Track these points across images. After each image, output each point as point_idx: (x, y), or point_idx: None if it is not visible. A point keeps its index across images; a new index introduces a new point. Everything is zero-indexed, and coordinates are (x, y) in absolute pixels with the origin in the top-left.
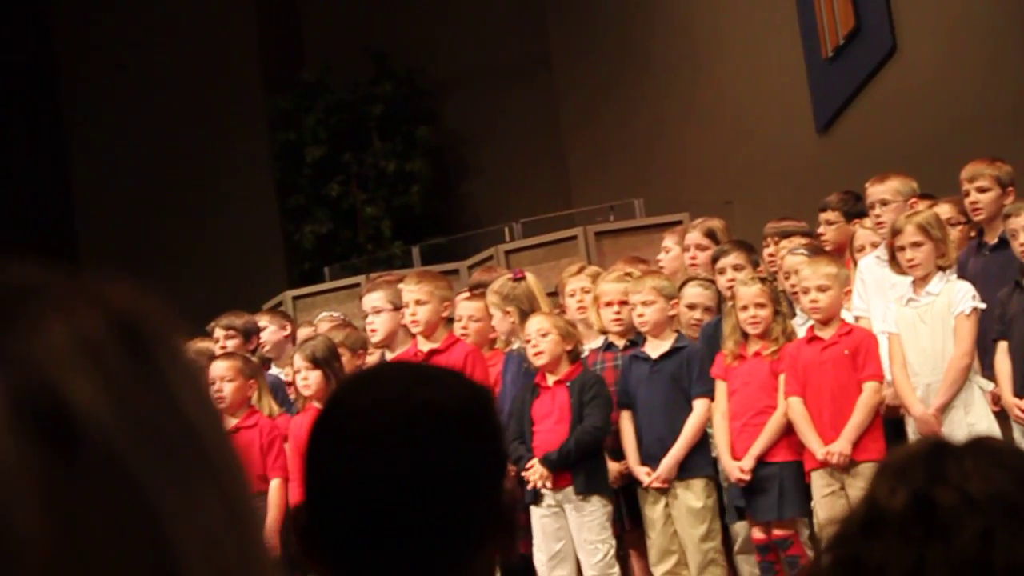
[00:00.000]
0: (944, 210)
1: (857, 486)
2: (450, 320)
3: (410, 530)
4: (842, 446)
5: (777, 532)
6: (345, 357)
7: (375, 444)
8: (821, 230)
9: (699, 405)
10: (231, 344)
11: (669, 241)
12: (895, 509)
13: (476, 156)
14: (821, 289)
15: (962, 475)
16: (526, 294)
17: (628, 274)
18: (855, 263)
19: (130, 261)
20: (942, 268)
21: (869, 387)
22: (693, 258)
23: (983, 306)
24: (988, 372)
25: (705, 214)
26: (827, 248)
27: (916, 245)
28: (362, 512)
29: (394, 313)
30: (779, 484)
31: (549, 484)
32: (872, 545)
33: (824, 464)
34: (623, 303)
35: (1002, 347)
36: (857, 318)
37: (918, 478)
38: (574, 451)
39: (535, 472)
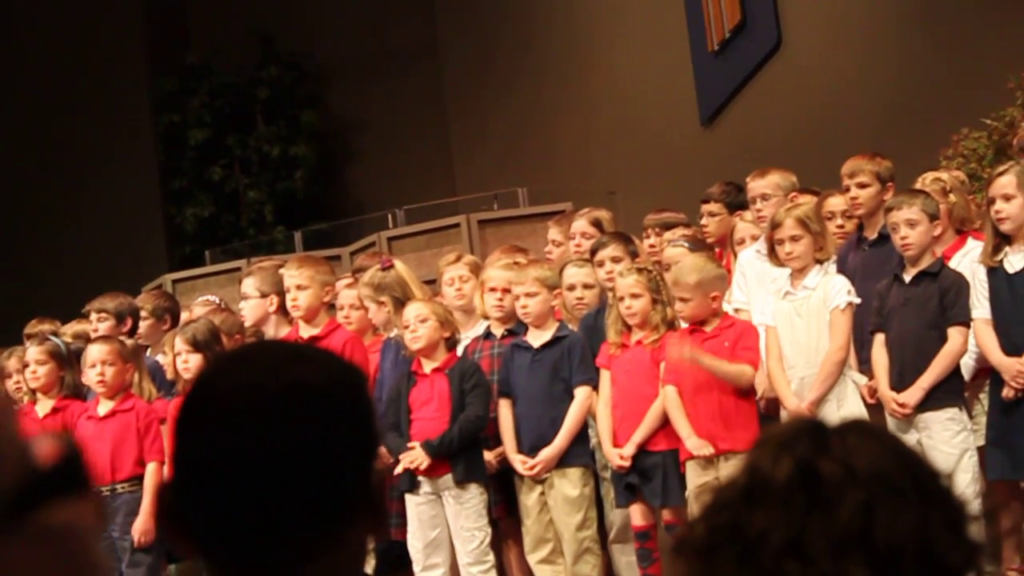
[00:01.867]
0: (837, 202)
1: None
2: (332, 306)
3: (277, 509)
4: (699, 443)
5: (667, 517)
6: (223, 341)
7: (243, 422)
8: (703, 222)
9: (580, 393)
10: (103, 327)
11: (556, 233)
12: (779, 478)
13: (360, 142)
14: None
15: (845, 449)
16: (397, 281)
17: (515, 263)
18: (735, 255)
19: (10, 242)
20: (820, 261)
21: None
22: (578, 246)
23: (858, 301)
24: (865, 366)
25: (588, 204)
26: (709, 240)
27: (795, 239)
28: (229, 490)
29: (261, 300)
30: (662, 472)
31: (424, 467)
32: (753, 513)
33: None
34: (506, 291)
35: (879, 340)
36: (737, 310)
37: (803, 449)
38: (456, 440)
39: (414, 456)
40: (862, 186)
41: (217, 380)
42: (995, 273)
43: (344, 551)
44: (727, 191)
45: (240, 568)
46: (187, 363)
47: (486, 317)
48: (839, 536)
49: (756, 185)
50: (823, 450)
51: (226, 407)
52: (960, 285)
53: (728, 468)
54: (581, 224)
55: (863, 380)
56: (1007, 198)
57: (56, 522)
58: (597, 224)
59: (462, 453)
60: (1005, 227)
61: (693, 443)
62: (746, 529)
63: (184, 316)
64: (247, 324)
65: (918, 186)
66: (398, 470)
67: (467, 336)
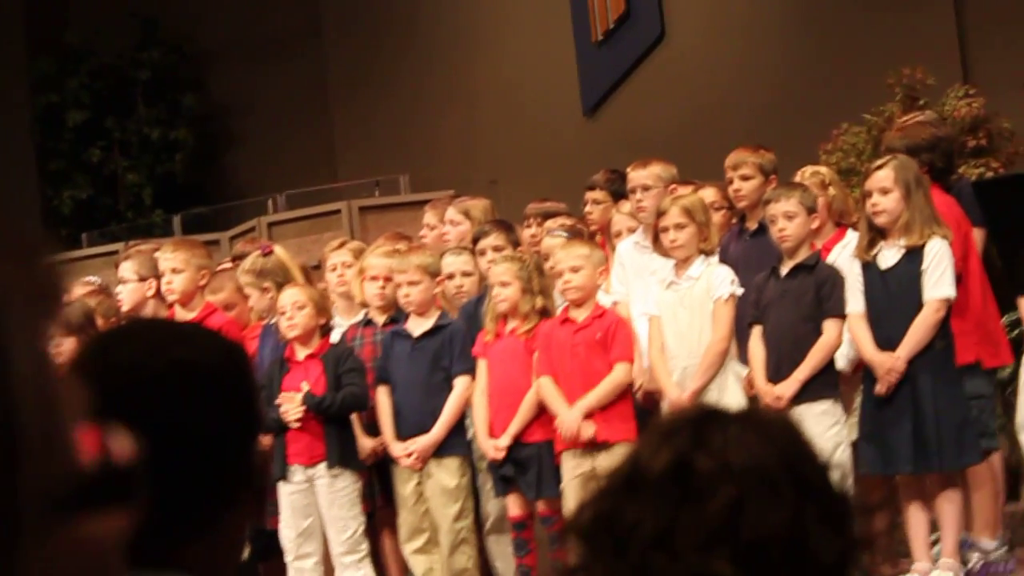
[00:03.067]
0: (708, 194)
1: (609, 466)
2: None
3: (157, 490)
4: (574, 416)
5: (542, 508)
6: (98, 324)
7: (123, 401)
8: (587, 209)
9: (459, 383)
10: None
11: (431, 217)
12: (655, 470)
13: (242, 126)
14: (573, 270)
15: (724, 443)
16: (279, 266)
17: (396, 250)
18: (612, 247)
19: None
20: (704, 252)
21: (618, 367)
22: (445, 233)
23: (741, 291)
24: (744, 357)
25: (470, 192)
26: (593, 228)
27: (679, 227)
28: (107, 470)
29: (139, 284)
30: (538, 464)
31: (298, 416)
32: (629, 503)
33: (574, 444)
34: (387, 279)
35: (756, 332)
36: (615, 303)
37: (682, 442)
38: (336, 405)
39: (291, 402)
40: (745, 178)
41: (98, 358)
42: (869, 268)
43: (223, 534)
44: (611, 179)
45: None
46: (60, 345)
47: (365, 305)
48: (707, 530)
49: (637, 175)
50: (701, 443)
51: (107, 386)
52: (836, 279)
53: (604, 459)
54: (451, 213)
55: (744, 371)
56: (883, 192)
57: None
58: (466, 213)
59: (334, 439)
60: (880, 220)
61: (573, 415)
62: (621, 520)
63: None
64: (124, 308)
65: (797, 179)
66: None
67: (348, 323)
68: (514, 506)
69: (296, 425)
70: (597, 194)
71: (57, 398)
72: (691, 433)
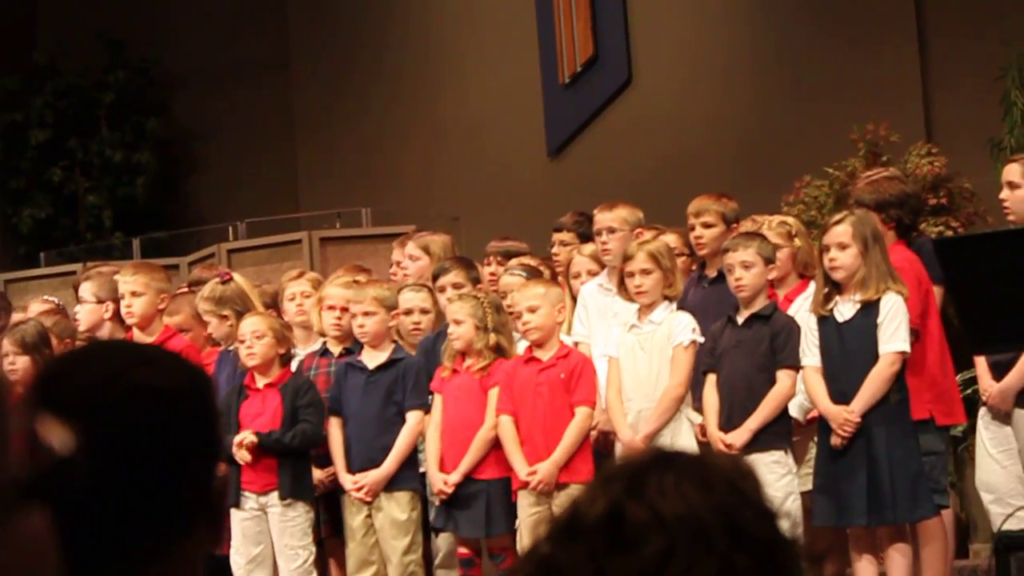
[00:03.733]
0: (670, 240)
1: (564, 507)
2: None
3: (115, 515)
4: (548, 470)
5: (491, 546)
6: (53, 344)
7: (84, 423)
8: (555, 251)
9: (412, 418)
10: None
11: (399, 255)
12: (590, 518)
13: (205, 152)
14: (531, 310)
15: (659, 492)
16: (238, 294)
17: (355, 281)
18: (570, 288)
19: None
20: (668, 298)
21: (581, 411)
22: (404, 268)
23: (702, 339)
24: (698, 404)
25: (432, 228)
26: (559, 269)
27: (645, 272)
28: (64, 494)
29: (97, 306)
30: (486, 501)
31: (248, 451)
32: (565, 549)
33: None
34: (344, 309)
35: (711, 380)
36: (576, 343)
37: (617, 490)
38: (286, 444)
39: (242, 437)
40: (707, 225)
41: (60, 379)
42: (826, 322)
43: (180, 558)
44: (579, 221)
45: (75, 574)
46: (14, 365)
47: (323, 335)
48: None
49: (603, 217)
50: (635, 493)
51: (68, 406)
52: (791, 329)
53: (561, 500)
54: (410, 248)
55: (698, 418)
56: (841, 247)
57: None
58: (425, 248)
59: (288, 469)
60: (837, 276)
61: (540, 468)
62: (556, 566)
63: (16, 317)
64: (81, 329)
65: (764, 229)
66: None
67: (304, 352)
68: (461, 544)
69: (244, 462)
70: (564, 235)
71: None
72: (626, 481)
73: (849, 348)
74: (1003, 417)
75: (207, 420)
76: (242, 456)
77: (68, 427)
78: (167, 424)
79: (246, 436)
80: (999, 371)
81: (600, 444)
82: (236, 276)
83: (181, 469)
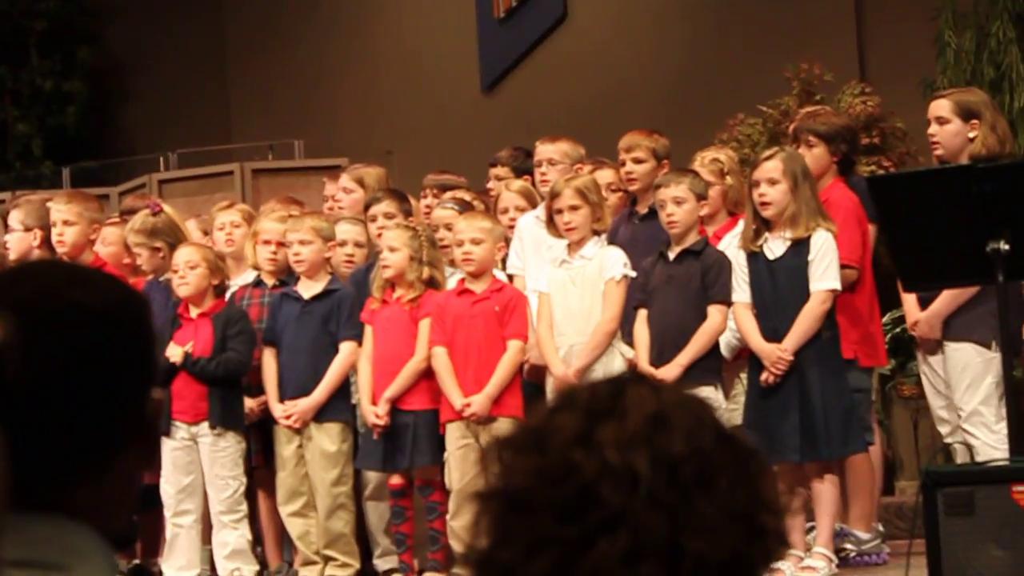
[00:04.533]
0: (606, 175)
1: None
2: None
3: (47, 433)
4: (481, 402)
5: (419, 477)
6: None
7: (15, 343)
8: (490, 185)
9: (344, 348)
10: None
11: (332, 188)
12: (584, 395)
13: (137, 82)
14: (475, 242)
15: (656, 387)
16: (169, 225)
17: (290, 215)
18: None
19: None
20: (597, 233)
21: (513, 345)
22: (338, 200)
23: (634, 274)
24: (628, 339)
25: (365, 161)
26: (494, 203)
27: (573, 208)
28: None
29: (25, 234)
30: (413, 432)
31: (178, 359)
32: (555, 417)
33: (460, 416)
34: (280, 244)
35: (641, 315)
36: (511, 276)
37: (616, 382)
38: (210, 370)
39: (171, 352)
40: (638, 161)
41: None
42: (755, 258)
43: (114, 479)
44: (516, 156)
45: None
46: None
47: (256, 268)
48: (628, 435)
49: (544, 149)
50: (640, 380)
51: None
52: (722, 264)
53: (489, 432)
54: (344, 180)
55: (630, 353)
56: (771, 182)
57: None
58: (360, 181)
59: (218, 399)
60: (767, 212)
61: (474, 400)
62: (545, 427)
63: None
64: (11, 257)
65: (696, 165)
66: None
67: (235, 283)
68: (393, 475)
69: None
70: (500, 170)
71: None
72: (615, 384)
73: (780, 285)
74: (935, 350)
75: (142, 340)
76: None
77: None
78: (100, 343)
79: (175, 352)
80: (925, 307)
81: (533, 376)
82: (166, 207)
83: (115, 388)
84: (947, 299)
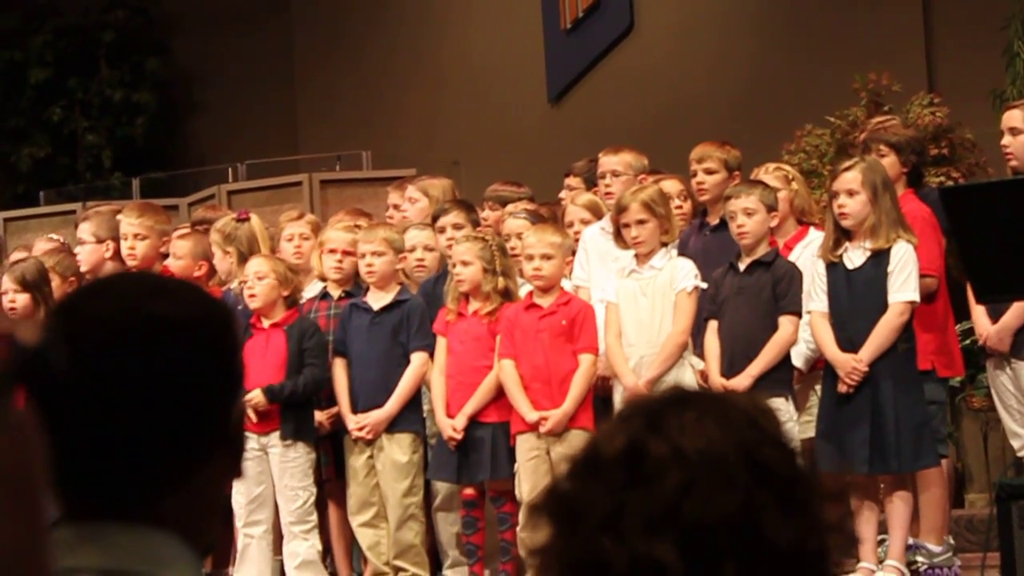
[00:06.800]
0: (671, 186)
1: (563, 452)
2: (165, 256)
3: (133, 444)
4: (558, 419)
5: (493, 489)
6: (55, 282)
7: (103, 353)
8: (563, 195)
9: (416, 359)
10: None
11: (396, 198)
12: (609, 454)
13: (205, 93)
14: (545, 257)
15: (679, 428)
16: (248, 236)
17: (357, 225)
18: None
19: None
20: (665, 244)
21: (585, 359)
22: (403, 211)
23: (704, 285)
24: (699, 351)
25: (432, 172)
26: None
27: (641, 223)
28: (84, 423)
29: (97, 246)
30: (491, 444)
31: (260, 408)
32: (583, 487)
33: (531, 428)
34: (346, 253)
35: (712, 327)
36: (576, 287)
37: (636, 426)
38: (298, 392)
39: (252, 397)
40: (709, 172)
41: (80, 308)
42: (834, 268)
43: (200, 488)
44: (591, 167)
45: (94, 503)
46: (14, 302)
47: (323, 279)
48: (652, 514)
49: (608, 161)
50: (655, 428)
51: (88, 336)
52: (793, 275)
53: (560, 444)
54: (410, 191)
55: (700, 364)
56: (850, 193)
57: (23, 415)
58: (425, 191)
59: (291, 410)
60: (847, 223)
61: (552, 415)
62: (576, 500)
63: (18, 255)
64: (83, 269)
65: (760, 176)
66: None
67: (304, 295)
68: (467, 484)
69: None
70: (573, 180)
71: None
72: (646, 418)
73: (858, 296)
74: (1004, 365)
75: (226, 350)
76: (256, 408)
77: (42, 320)
78: (184, 354)
79: (254, 396)
80: (995, 320)
81: (599, 389)
82: (254, 218)
83: (200, 398)
84: (1018, 312)
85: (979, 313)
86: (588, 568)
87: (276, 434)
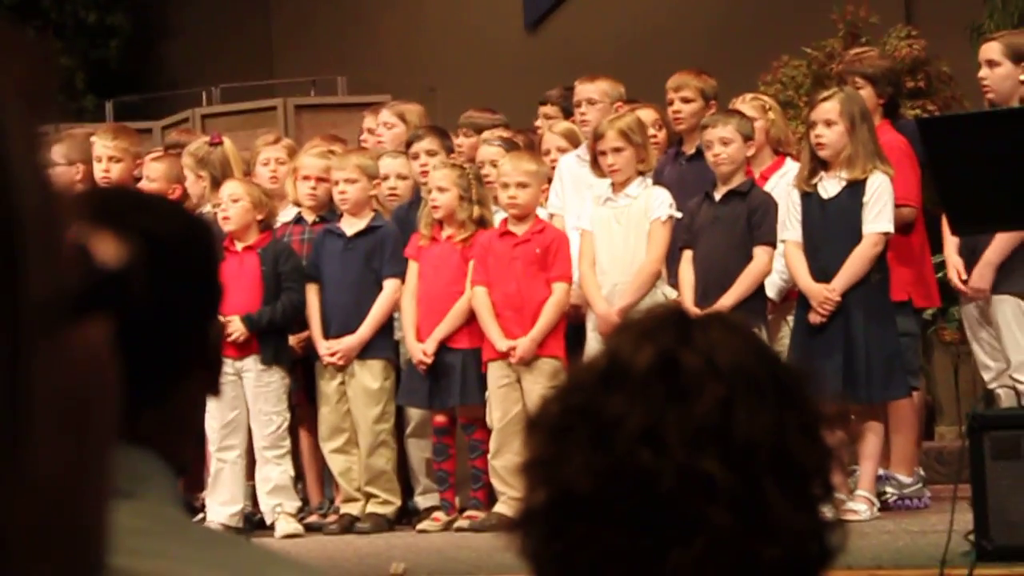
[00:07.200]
0: (647, 115)
1: (533, 380)
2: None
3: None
4: (527, 346)
5: (463, 416)
6: None
7: (142, 265)
8: (538, 123)
9: (389, 286)
10: None
11: (371, 122)
12: (639, 365)
13: (179, 16)
14: (520, 185)
15: (708, 342)
16: (221, 160)
17: (331, 151)
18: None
19: None
20: (642, 173)
21: (559, 287)
22: (378, 135)
23: (679, 215)
24: (673, 280)
25: (408, 98)
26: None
27: (617, 151)
28: (96, 277)
29: (68, 168)
30: (461, 370)
31: (241, 340)
32: (610, 398)
33: (502, 356)
34: (320, 179)
35: (687, 256)
36: (551, 216)
37: (666, 338)
38: (277, 320)
39: (232, 329)
40: (686, 100)
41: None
42: (808, 198)
43: (178, 405)
44: (565, 95)
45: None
46: None
47: (297, 204)
48: (696, 428)
49: (584, 89)
50: (686, 341)
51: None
52: (768, 205)
53: (530, 372)
54: (384, 115)
55: (673, 294)
56: (828, 123)
57: (90, 340)
58: (401, 116)
59: (271, 337)
60: (824, 153)
61: (520, 344)
62: (602, 413)
63: None
64: None
65: (737, 106)
66: None
67: (278, 220)
68: (438, 411)
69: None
70: (549, 109)
71: (54, 204)
72: (674, 331)
73: (832, 225)
74: (980, 311)
75: (206, 268)
76: (237, 336)
77: (122, 240)
78: (166, 270)
79: (234, 326)
80: (966, 256)
81: (571, 318)
82: (226, 142)
83: (179, 316)
84: (997, 248)
85: (951, 248)
86: (626, 479)
87: (250, 359)
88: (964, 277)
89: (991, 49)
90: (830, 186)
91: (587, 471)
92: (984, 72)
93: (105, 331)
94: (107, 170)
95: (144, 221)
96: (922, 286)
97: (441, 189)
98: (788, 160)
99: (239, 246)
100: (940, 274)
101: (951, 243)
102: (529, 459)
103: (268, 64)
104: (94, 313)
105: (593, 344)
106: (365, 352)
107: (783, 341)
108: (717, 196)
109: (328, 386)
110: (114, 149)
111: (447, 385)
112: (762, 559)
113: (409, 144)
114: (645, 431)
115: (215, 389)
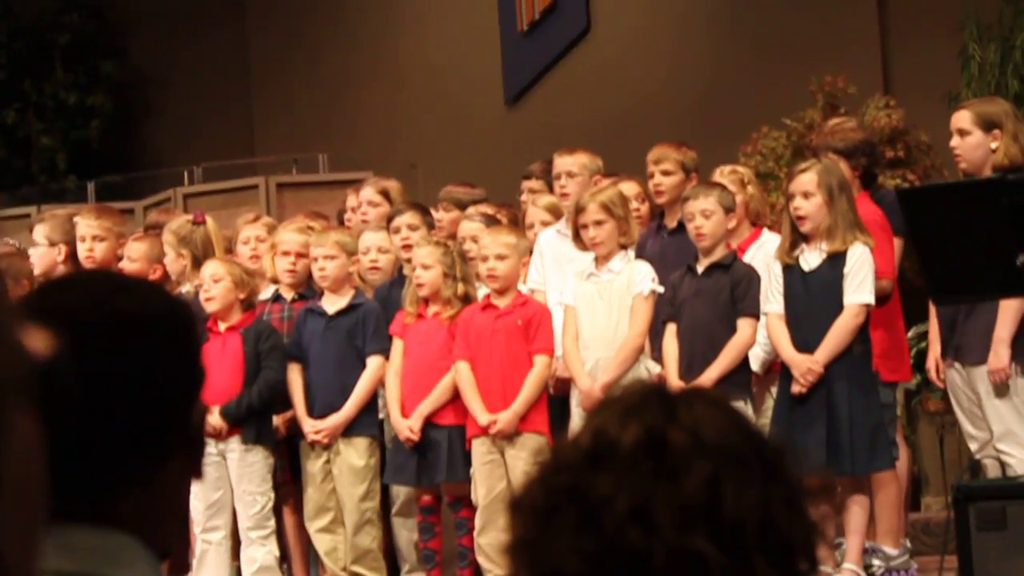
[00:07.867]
0: (629, 188)
1: (516, 455)
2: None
3: (91, 443)
4: (508, 419)
5: (449, 492)
6: (7, 285)
7: (60, 351)
8: (523, 198)
9: (372, 363)
10: None
11: (353, 200)
12: (626, 444)
13: (161, 96)
14: (499, 258)
15: (693, 418)
16: (203, 239)
17: (310, 227)
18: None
19: None
20: (624, 246)
21: (540, 360)
22: (364, 214)
23: (661, 289)
24: (657, 354)
25: (389, 175)
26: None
27: (599, 224)
28: (44, 419)
29: (50, 249)
30: (447, 447)
31: (223, 434)
32: (598, 477)
33: (485, 431)
34: (300, 255)
35: (670, 329)
36: (532, 291)
37: (651, 416)
38: (255, 404)
39: (211, 423)
40: (666, 173)
41: (39, 306)
42: (790, 270)
43: (160, 489)
44: (548, 169)
45: (52, 503)
46: None
47: (276, 281)
48: (685, 506)
49: (563, 162)
50: (672, 418)
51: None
52: (751, 277)
53: (513, 447)
54: (368, 193)
55: (656, 368)
56: (806, 195)
57: (28, 428)
58: (385, 193)
59: (253, 416)
60: (803, 225)
61: (502, 416)
62: (590, 493)
63: None
64: (36, 272)
65: (715, 178)
66: None
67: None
68: (424, 490)
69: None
70: (533, 183)
71: (3, 296)
72: (660, 407)
73: (814, 297)
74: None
75: (188, 349)
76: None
77: (51, 334)
78: (147, 351)
79: (212, 419)
80: (945, 331)
81: (559, 391)
82: (209, 221)
83: (160, 397)
84: (1006, 322)
85: (935, 333)
86: (616, 560)
87: (234, 439)
88: (943, 376)
89: (961, 118)
90: (811, 258)
91: (575, 552)
92: (955, 141)
93: (36, 419)
94: (91, 249)
95: (125, 302)
96: (891, 359)
97: (425, 267)
98: (765, 231)
99: (222, 326)
100: (923, 344)
101: (936, 325)
102: (515, 540)
103: (249, 142)
104: (28, 401)
105: (577, 420)
106: (350, 430)
107: (767, 413)
108: (700, 269)
109: (313, 465)
110: (98, 228)
111: (433, 461)
112: None
113: (390, 219)
114: (634, 510)
115: (198, 472)
